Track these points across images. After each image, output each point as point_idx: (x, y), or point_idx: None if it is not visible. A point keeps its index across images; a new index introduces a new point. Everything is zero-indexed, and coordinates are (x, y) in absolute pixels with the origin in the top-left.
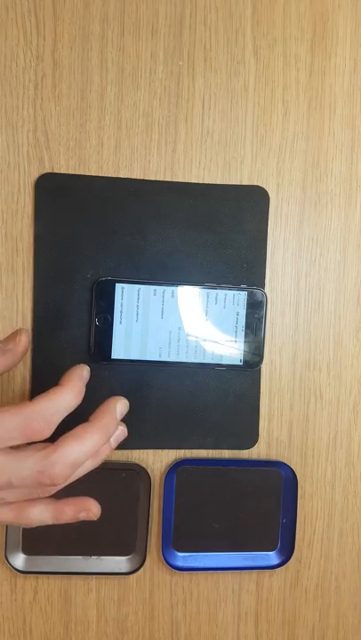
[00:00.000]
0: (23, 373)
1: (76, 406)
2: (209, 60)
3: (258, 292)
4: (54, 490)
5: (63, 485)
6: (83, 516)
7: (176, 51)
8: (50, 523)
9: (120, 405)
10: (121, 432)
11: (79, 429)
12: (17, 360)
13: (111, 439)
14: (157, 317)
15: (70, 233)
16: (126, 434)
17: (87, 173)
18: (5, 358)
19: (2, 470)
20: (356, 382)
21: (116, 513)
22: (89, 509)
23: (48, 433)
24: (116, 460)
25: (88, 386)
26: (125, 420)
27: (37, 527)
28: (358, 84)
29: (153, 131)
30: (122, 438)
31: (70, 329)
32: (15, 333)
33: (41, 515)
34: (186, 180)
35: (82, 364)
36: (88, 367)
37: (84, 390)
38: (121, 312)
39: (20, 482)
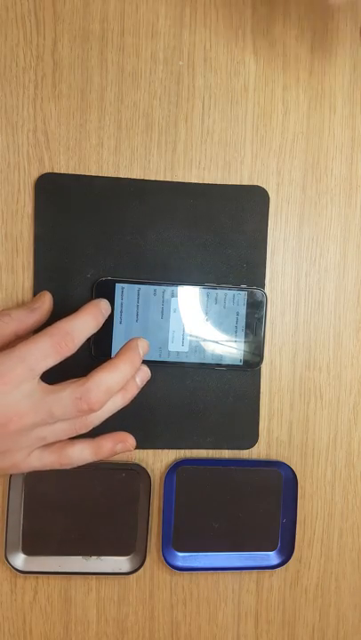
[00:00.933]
0: None
1: (95, 329)
2: (209, 60)
3: (258, 292)
4: (93, 421)
5: (99, 419)
6: (120, 447)
7: (176, 51)
8: (90, 460)
9: (141, 342)
10: (145, 372)
11: (107, 362)
12: (44, 318)
13: (137, 378)
14: (157, 317)
15: (70, 233)
16: (150, 375)
17: (87, 173)
18: (34, 315)
19: (42, 403)
20: (356, 382)
21: (116, 513)
22: (125, 440)
23: (73, 347)
24: (116, 460)
25: None
26: (126, 419)
27: (40, 525)
28: (358, 83)
29: (153, 131)
30: (146, 378)
31: None
32: (40, 295)
33: (81, 453)
34: (186, 180)
35: (101, 299)
36: (107, 301)
37: (101, 318)
38: (121, 312)
39: (60, 411)
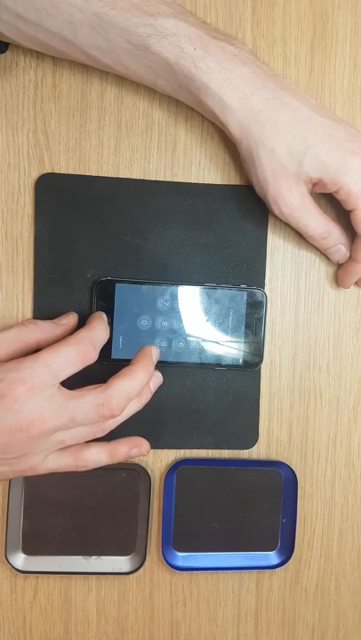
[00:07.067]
0: None
1: (107, 338)
2: None
3: (258, 292)
4: (110, 425)
5: (115, 423)
6: (135, 452)
7: None
8: (105, 463)
9: (154, 350)
10: (157, 377)
11: (125, 370)
12: (67, 334)
13: (150, 384)
14: (157, 317)
15: (70, 233)
16: (162, 380)
17: (87, 173)
18: (59, 329)
19: (64, 408)
20: (356, 382)
21: (116, 513)
22: (140, 445)
23: (95, 356)
24: None
25: None
26: (127, 420)
27: (40, 525)
28: (358, 83)
29: (153, 131)
30: (159, 383)
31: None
32: (68, 313)
33: (97, 455)
34: (186, 180)
35: (98, 311)
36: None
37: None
38: (121, 312)
39: (82, 416)
